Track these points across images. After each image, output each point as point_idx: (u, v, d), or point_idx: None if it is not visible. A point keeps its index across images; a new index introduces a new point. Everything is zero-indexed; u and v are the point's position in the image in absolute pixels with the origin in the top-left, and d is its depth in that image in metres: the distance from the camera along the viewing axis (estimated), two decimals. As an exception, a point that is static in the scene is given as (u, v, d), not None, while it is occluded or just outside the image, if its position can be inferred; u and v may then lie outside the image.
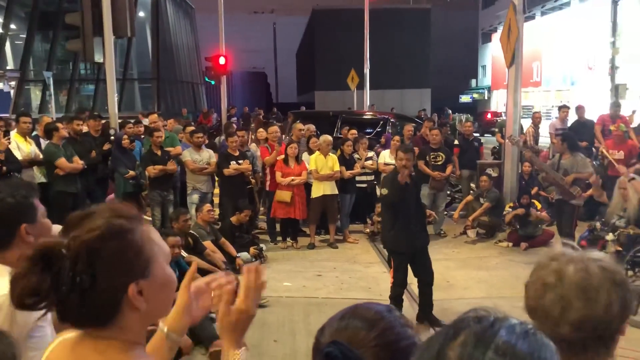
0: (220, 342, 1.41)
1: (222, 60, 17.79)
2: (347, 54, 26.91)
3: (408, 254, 5.67)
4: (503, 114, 27.81)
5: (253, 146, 9.49)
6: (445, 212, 9.83)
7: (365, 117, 14.14)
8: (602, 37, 21.37)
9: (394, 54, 33.06)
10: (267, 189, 8.94)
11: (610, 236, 6.65)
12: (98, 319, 1.17)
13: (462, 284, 6.98)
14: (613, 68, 20.83)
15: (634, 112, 13.63)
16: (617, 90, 19.94)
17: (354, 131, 10.19)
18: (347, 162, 8.95)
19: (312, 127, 10.43)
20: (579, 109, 11.57)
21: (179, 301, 1.40)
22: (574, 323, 1.26)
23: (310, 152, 8.87)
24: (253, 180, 8.98)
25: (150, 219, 7.98)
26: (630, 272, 6.22)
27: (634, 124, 11.88)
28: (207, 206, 7.52)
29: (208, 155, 8.63)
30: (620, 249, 6.21)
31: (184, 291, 1.41)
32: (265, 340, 5.34)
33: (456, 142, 10.57)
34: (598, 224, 7.25)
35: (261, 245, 8.15)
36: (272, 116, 21.68)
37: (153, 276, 1.20)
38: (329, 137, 8.93)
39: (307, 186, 8.69)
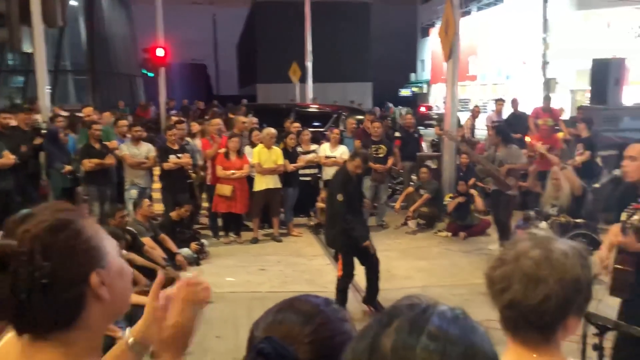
0: None
1: (160, 52, 17.34)
2: (289, 47, 26.79)
3: (357, 246, 5.72)
4: (435, 107, 28.57)
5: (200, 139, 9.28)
6: (388, 204, 9.96)
7: (318, 110, 14.13)
8: (535, 33, 22.19)
9: (336, 48, 33.20)
10: (208, 182, 8.79)
11: (543, 224, 6.92)
12: (63, 319, 1.10)
13: (404, 274, 7.09)
14: (544, 63, 21.68)
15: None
16: (548, 84, 20.77)
17: (297, 124, 10.16)
18: (290, 155, 8.91)
19: (255, 119, 10.33)
20: (514, 102, 11.98)
21: (147, 309, 1.33)
22: (505, 302, 1.33)
23: (253, 145, 8.78)
24: (193, 175, 8.80)
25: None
26: (562, 259, 6.50)
27: (564, 117, 12.40)
28: (147, 201, 7.32)
29: (146, 149, 8.40)
30: (560, 239, 6.45)
31: (152, 299, 1.32)
32: (208, 337, 5.25)
33: (397, 134, 10.72)
34: (532, 213, 7.54)
35: (203, 240, 8.00)
36: (213, 109, 21.32)
37: (109, 265, 1.16)
38: (272, 130, 8.87)
39: (249, 180, 8.60)
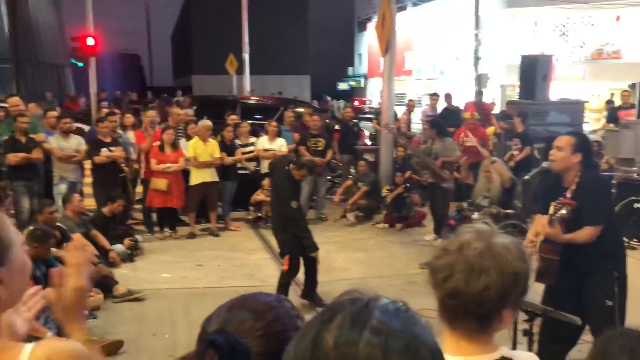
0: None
1: (90, 41, 16.64)
2: (225, 38, 26.35)
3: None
4: (368, 101, 28.94)
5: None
6: (327, 197, 10.01)
7: (264, 102, 13.97)
8: (467, 30, 22.81)
9: (274, 40, 32.97)
10: (142, 176, 8.54)
11: (476, 215, 7.14)
12: None
13: (343, 266, 7.15)
14: (476, 59, 22.35)
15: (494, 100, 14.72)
16: (479, 80, 21.42)
17: (235, 117, 10.03)
18: (228, 148, 8.78)
19: (191, 112, 10.11)
20: (448, 97, 12.30)
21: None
22: (447, 290, 1.35)
23: (189, 137, 8.59)
24: (127, 168, 8.51)
25: (13, 211, 7.34)
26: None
27: (495, 111, 12.83)
28: (77, 196, 7.04)
29: (76, 142, 8.06)
30: (499, 233, 6.67)
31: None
32: (143, 335, 5.12)
33: (337, 127, 10.78)
34: (465, 204, 7.77)
35: (137, 236, 7.76)
36: (146, 101, 20.79)
37: (11, 262, 1.14)
38: (208, 122, 8.71)
39: (186, 173, 8.41)
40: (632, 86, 14.54)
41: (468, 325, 1.37)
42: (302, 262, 5.82)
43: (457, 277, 1.34)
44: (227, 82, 23.10)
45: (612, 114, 12.05)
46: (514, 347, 3.46)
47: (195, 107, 12.59)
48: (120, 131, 8.71)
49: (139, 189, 8.89)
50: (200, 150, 8.27)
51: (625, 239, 7.43)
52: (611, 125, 11.05)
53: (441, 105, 12.56)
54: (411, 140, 10.62)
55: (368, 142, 12.23)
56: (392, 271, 6.93)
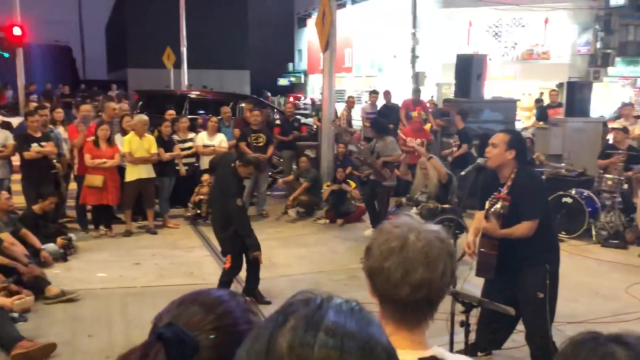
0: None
1: (17, 31, 15.89)
2: (162, 31, 25.70)
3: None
4: (303, 97, 29.03)
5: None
6: (268, 193, 9.97)
7: (214, 97, 13.69)
8: (405, 28, 23.26)
9: (212, 34, 32.48)
10: (76, 173, 8.23)
11: (414, 210, 7.31)
12: None
13: (285, 262, 7.15)
14: (414, 57, 22.83)
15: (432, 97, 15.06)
16: (417, 78, 21.89)
17: (172, 111, 9.81)
18: (165, 144, 8.58)
19: (126, 106, 9.82)
20: (387, 94, 12.48)
21: None
22: (414, 285, 1.34)
23: (125, 132, 8.34)
24: (58, 164, 8.17)
25: None
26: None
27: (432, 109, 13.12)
28: (5, 193, 6.69)
29: (3, 137, 7.68)
30: (423, 221, 6.84)
31: None
32: (78, 337, 4.94)
33: (278, 122, 10.74)
34: (404, 200, 7.93)
35: (70, 234, 7.47)
36: (79, 94, 20.04)
37: None
38: (144, 117, 8.48)
39: (121, 169, 8.17)
40: (560, 85, 15.23)
41: (424, 311, 1.39)
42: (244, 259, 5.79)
43: (419, 270, 1.34)
44: (164, 76, 22.59)
45: (542, 112, 12.58)
46: (452, 338, 3.56)
47: (140, 103, 12.27)
48: (51, 126, 8.35)
49: (72, 185, 8.57)
50: (136, 145, 8.04)
51: (554, 232, 7.84)
52: (541, 123, 11.54)
53: (381, 102, 12.74)
54: (352, 136, 10.72)
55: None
56: (333, 266, 6.99)
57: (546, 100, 14.16)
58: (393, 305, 1.37)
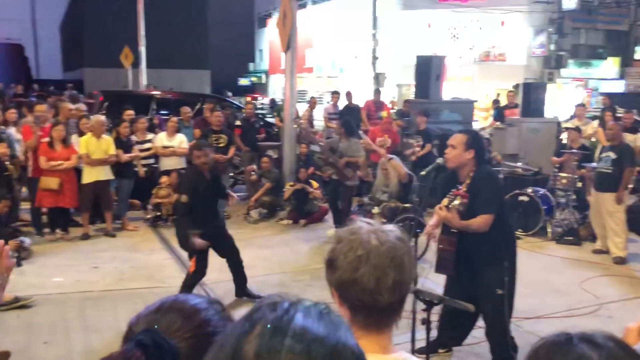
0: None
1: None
2: (120, 30, 25.22)
3: (210, 243, 5.54)
4: (260, 97, 28.93)
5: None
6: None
7: (182, 98, 13.45)
8: (365, 29, 23.43)
9: (171, 34, 32.02)
10: (30, 175, 7.99)
11: (376, 209, 7.38)
12: None
13: (248, 264, 7.02)
14: (374, 58, 23.01)
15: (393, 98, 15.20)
16: (378, 78, 22.09)
17: (131, 112, 9.63)
18: (123, 144, 8.41)
19: (83, 106, 9.59)
20: (348, 95, 12.56)
21: None
22: (388, 289, 1.34)
23: (82, 134, 8.14)
24: (11, 166, 7.90)
25: None
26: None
27: (394, 110, 13.26)
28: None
29: (-48, 138, 7.38)
30: (384, 220, 6.92)
31: None
32: (33, 344, 4.79)
33: (238, 122, 10.66)
34: (366, 199, 8.00)
35: (24, 238, 7.24)
36: (33, 94, 19.45)
37: None
38: (101, 118, 8.30)
39: (79, 171, 7.97)
40: (516, 87, 15.60)
41: (398, 311, 1.40)
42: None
43: (390, 273, 1.34)
44: (121, 75, 22.14)
45: (499, 112, 12.87)
46: (413, 335, 3.61)
47: (106, 104, 12.00)
48: (2, 126, 8.08)
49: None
50: (93, 147, 7.86)
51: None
52: (498, 123, 11.81)
53: (342, 103, 12.80)
54: (315, 137, 10.74)
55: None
56: (297, 267, 6.98)
57: (503, 101, 14.49)
58: (367, 311, 1.36)
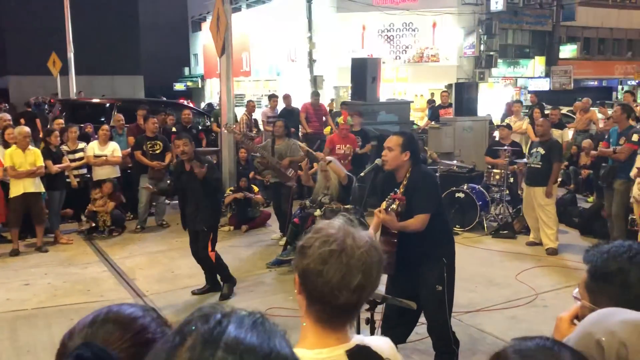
0: None
1: None
2: (46, 36, 24.23)
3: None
4: (187, 102, 28.53)
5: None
6: (168, 202, 9.66)
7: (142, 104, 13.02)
8: (301, 32, 23.49)
9: (101, 39, 31.00)
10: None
11: (317, 212, 7.37)
12: None
13: (188, 273, 6.94)
14: (311, 61, 23.10)
15: (332, 100, 15.28)
16: (315, 81, 22.18)
17: (61, 121, 9.25)
18: (53, 155, 8.06)
19: (7, 116, 9.13)
20: (286, 98, 12.53)
21: None
22: (351, 290, 1.34)
23: (7, 145, 7.74)
24: None
25: None
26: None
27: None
28: None
29: None
30: (355, 225, 6.92)
31: None
32: (-41, 370, 4.51)
33: (174, 129, 10.43)
34: (307, 202, 7.98)
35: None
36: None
37: None
38: (25, 129, 7.91)
39: (5, 185, 7.57)
40: (449, 87, 16.04)
41: (345, 317, 1.40)
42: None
43: (358, 276, 1.34)
44: (50, 83, 21.27)
45: (434, 112, 13.18)
46: (358, 334, 3.63)
47: (64, 113, 11.54)
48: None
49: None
50: (19, 159, 7.48)
51: (449, 226, 8.23)
52: (433, 122, 12.09)
53: (280, 106, 12.76)
54: (253, 141, 10.64)
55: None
56: (239, 273, 6.87)
57: (438, 101, 14.85)
58: (324, 306, 1.37)
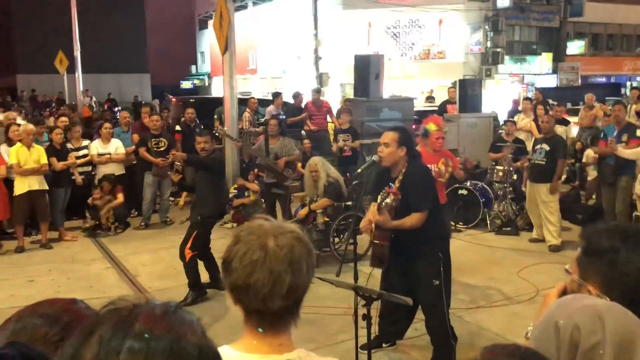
0: None
1: None
2: (53, 34, 24.39)
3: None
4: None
5: None
6: (172, 200, 9.69)
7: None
8: (307, 30, 23.46)
9: (108, 37, 31.17)
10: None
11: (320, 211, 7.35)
12: None
13: (190, 269, 6.97)
14: (317, 58, 23.08)
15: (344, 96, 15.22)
16: (321, 78, 22.16)
17: (65, 119, 9.31)
18: (58, 152, 8.12)
19: (13, 114, 9.21)
20: (297, 97, 12.50)
21: None
22: (283, 295, 1.29)
23: (11, 143, 7.81)
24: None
25: None
26: (336, 239, 7.02)
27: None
28: None
29: None
30: (327, 219, 6.94)
31: None
32: (-38, 366, 4.56)
33: (178, 127, 10.47)
34: (307, 199, 7.96)
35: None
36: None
37: None
38: (30, 126, 7.98)
39: (9, 182, 7.64)
40: (454, 84, 15.95)
41: (287, 319, 1.36)
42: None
43: (286, 278, 1.29)
44: (57, 81, 21.42)
45: (441, 108, 13.11)
46: (357, 332, 3.63)
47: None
48: None
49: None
50: (24, 156, 7.54)
51: (452, 223, 8.22)
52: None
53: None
54: (256, 139, 10.64)
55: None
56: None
57: (439, 98, 14.76)
58: (260, 315, 1.32)
